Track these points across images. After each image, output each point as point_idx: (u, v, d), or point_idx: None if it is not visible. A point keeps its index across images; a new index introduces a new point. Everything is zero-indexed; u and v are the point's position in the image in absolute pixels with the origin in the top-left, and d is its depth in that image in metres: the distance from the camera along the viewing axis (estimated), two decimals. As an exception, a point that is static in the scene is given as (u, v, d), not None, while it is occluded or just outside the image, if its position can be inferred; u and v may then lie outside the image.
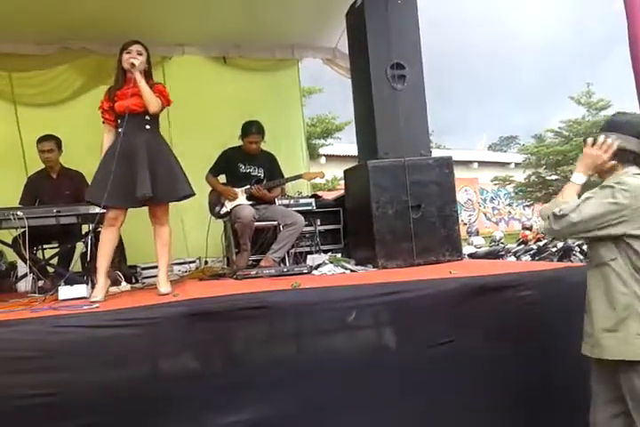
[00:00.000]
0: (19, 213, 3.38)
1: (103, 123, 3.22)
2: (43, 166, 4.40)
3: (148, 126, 3.13)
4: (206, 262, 4.83)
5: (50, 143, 4.27)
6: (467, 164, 25.43)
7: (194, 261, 4.90)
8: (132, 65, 3.06)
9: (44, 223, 3.46)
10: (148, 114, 3.10)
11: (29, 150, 4.94)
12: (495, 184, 23.35)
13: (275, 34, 5.58)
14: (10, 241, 3.80)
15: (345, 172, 4.34)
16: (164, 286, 3.07)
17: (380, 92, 3.87)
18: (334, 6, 4.80)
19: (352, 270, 3.65)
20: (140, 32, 5.03)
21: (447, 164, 3.91)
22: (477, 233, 13.52)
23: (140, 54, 3.14)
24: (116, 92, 3.14)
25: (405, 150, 3.77)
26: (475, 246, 11.04)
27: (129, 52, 3.13)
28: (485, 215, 25.15)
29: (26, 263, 3.56)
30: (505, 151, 38.37)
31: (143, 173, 2.99)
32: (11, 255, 4.19)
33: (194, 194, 3.22)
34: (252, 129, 4.37)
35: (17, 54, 5.17)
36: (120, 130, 3.10)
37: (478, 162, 26.68)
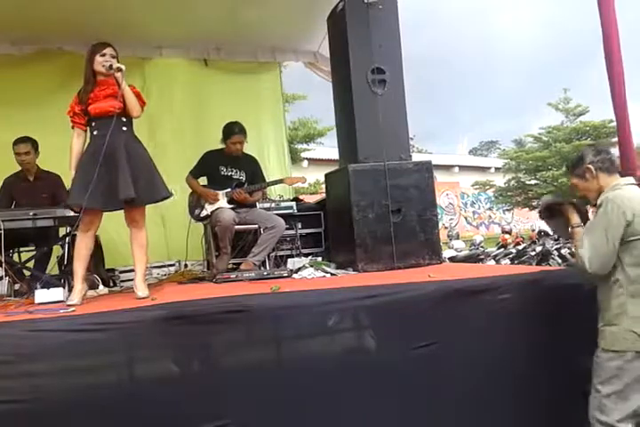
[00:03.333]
0: (-6, 215, 3.32)
1: (72, 127, 3.16)
2: (19, 168, 4.33)
3: (124, 128, 3.09)
4: (186, 266, 4.79)
5: (26, 145, 4.21)
6: (448, 168, 25.66)
7: (173, 265, 4.86)
8: (120, 69, 3.01)
9: (20, 226, 3.42)
10: (124, 116, 3.07)
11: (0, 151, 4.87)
12: (476, 188, 23.58)
13: (256, 36, 5.59)
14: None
15: (326, 175, 4.35)
16: (142, 290, 3.03)
17: (361, 97, 3.89)
18: (316, 10, 4.82)
19: (332, 274, 3.66)
20: (118, 33, 5.01)
21: (427, 168, 3.94)
22: (458, 237, 13.61)
23: (114, 57, 3.10)
24: (88, 95, 3.08)
25: (385, 154, 3.79)
26: (455, 250, 11.11)
27: (103, 55, 3.07)
28: (466, 219, 25.38)
29: (1, 266, 3.50)
30: (486, 156, 38.85)
31: (124, 176, 2.96)
32: (-14, 258, 4.11)
33: (171, 195, 3.20)
34: (234, 129, 4.36)
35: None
36: (96, 132, 3.07)
37: (459, 166, 26.93)
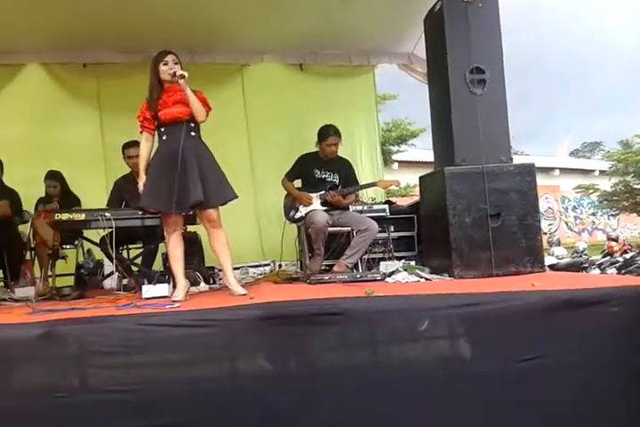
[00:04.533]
0: (107, 214, 3.57)
1: (141, 132, 3.31)
2: (126, 170, 4.60)
3: (193, 133, 3.19)
4: (280, 266, 4.90)
5: (135, 149, 4.41)
6: (547, 171, 24.40)
7: (268, 264, 4.99)
8: (183, 76, 3.12)
9: (129, 224, 3.64)
10: (192, 121, 3.17)
11: (110, 154, 5.23)
12: (578, 192, 22.24)
13: (351, 40, 5.61)
14: (98, 240, 4.03)
15: (420, 178, 4.27)
16: (238, 287, 3.14)
17: (459, 98, 3.77)
18: (411, 11, 4.76)
19: (427, 279, 3.58)
20: (220, 41, 5.26)
21: (529, 171, 3.75)
22: (559, 243, 12.86)
23: (177, 63, 3.21)
24: (157, 102, 3.20)
25: (484, 157, 3.65)
26: (556, 257, 10.52)
27: (166, 64, 3.19)
28: (567, 225, 23.98)
29: (112, 262, 3.74)
30: (588, 158, 36.53)
31: (194, 180, 3.06)
32: (98, 254, 4.42)
33: (237, 197, 3.26)
34: (329, 131, 4.40)
35: (105, 63, 5.52)
36: (165, 137, 3.20)
37: (560, 169, 25.56)
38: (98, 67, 5.54)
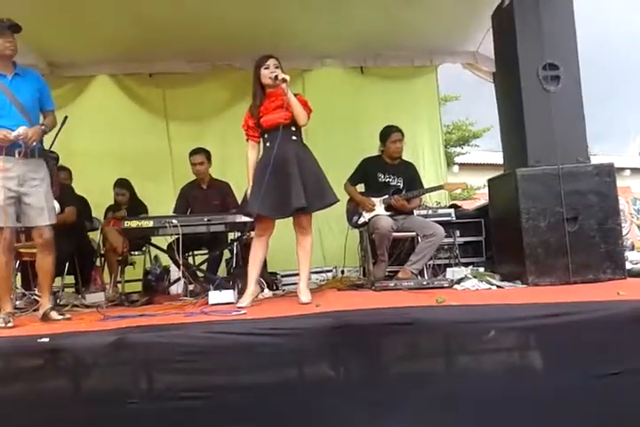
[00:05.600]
0: (174, 221, 3.61)
1: (247, 140, 3.30)
2: (193, 177, 4.67)
3: (294, 137, 3.17)
4: (343, 272, 4.82)
5: (201, 156, 4.52)
6: (617, 171, 23.12)
7: (330, 271, 4.93)
8: (284, 80, 3.09)
9: (195, 231, 3.67)
10: (293, 125, 3.14)
11: (178, 162, 5.34)
12: (652, 193, 21.03)
13: (413, 41, 5.48)
14: (164, 247, 4.09)
15: (489, 181, 4.10)
16: (305, 295, 3.10)
17: (531, 95, 3.60)
18: (476, 9, 4.61)
19: (498, 286, 3.42)
20: (282, 47, 5.22)
21: (608, 171, 3.56)
22: (633, 247, 12.14)
23: (277, 67, 3.18)
24: (258, 109, 3.19)
25: (560, 157, 3.46)
26: (630, 262, 9.93)
27: (267, 68, 3.17)
28: (639, 228, 22.72)
29: (179, 268, 3.78)
30: (661, 157, 34.55)
31: (296, 185, 3.03)
32: (165, 260, 4.50)
33: (338, 200, 3.22)
34: (392, 129, 4.33)
35: (170, 73, 5.66)
36: (268, 144, 3.18)
37: (631, 169, 24.26)
38: (163, 76, 5.69)
